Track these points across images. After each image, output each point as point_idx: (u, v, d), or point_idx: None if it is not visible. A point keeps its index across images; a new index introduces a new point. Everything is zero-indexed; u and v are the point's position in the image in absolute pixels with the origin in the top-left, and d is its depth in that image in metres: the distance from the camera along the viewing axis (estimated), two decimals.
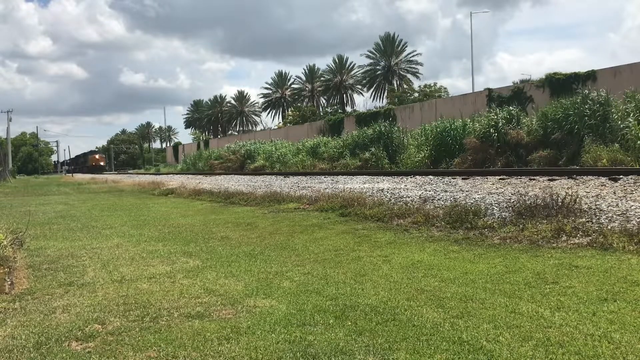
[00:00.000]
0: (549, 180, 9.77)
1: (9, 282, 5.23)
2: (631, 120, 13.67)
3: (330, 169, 22.75)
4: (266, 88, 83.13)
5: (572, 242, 5.90)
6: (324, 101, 75.43)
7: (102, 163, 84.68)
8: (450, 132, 19.52)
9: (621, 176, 9.01)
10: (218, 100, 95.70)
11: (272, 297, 4.45)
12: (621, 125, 14.21)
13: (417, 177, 13.26)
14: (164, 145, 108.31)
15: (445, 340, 3.30)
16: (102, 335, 3.68)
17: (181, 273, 5.55)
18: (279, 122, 71.15)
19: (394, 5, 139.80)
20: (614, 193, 7.63)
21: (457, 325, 3.56)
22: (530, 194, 8.09)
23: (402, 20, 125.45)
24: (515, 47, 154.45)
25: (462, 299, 4.13)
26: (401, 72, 65.65)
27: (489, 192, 9.15)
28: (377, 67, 66.20)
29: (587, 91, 16.26)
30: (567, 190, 7.77)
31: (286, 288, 4.75)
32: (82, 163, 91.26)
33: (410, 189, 11.05)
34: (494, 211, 7.60)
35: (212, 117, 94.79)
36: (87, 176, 55.43)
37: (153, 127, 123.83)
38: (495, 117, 18.37)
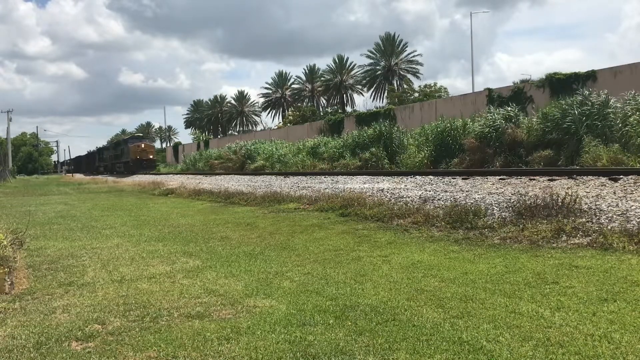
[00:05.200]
0: (549, 180, 9.76)
1: (9, 282, 5.23)
2: (638, 117, 13.66)
3: (330, 169, 22.74)
4: (266, 88, 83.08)
5: (572, 242, 5.91)
6: (324, 101, 75.36)
7: (151, 156, 48.60)
8: (451, 132, 19.50)
9: (621, 176, 9.01)
10: (218, 100, 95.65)
11: (272, 297, 4.46)
12: (620, 125, 14.21)
13: (417, 177, 13.26)
14: (164, 145, 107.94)
15: (445, 340, 3.31)
16: (102, 335, 3.68)
17: (181, 273, 5.55)
18: (279, 122, 71.07)
19: (392, 5, 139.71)
20: (614, 193, 7.63)
21: (457, 325, 3.56)
22: (530, 194, 8.09)
23: (400, 20, 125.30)
24: (514, 47, 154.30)
25: (462, 299, 4.13)
26: (401, 72, 65.58)
27: (489, 192, 9.15)
28: (377, 67, 66.12)
29: (586, 92, 16.26)
30: (567, 190, 7.77)
31: (286, 288, 4.75)
32: (113, 158, 54.72)
33: (410, 189, 11.06)
34: (494, 211, 7.60)
35: (212, 117, 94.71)
36: (87, 176, 55.35)
37: (153, 127, 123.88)
38: (494, 117, 18.38)
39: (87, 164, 73.18)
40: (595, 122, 14.97)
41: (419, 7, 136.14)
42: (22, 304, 4.56)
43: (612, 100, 15.36)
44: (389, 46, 65.00)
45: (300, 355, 3.18)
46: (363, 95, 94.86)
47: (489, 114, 19.08)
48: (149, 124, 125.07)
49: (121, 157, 50.32)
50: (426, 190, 10.42)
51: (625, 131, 13.81)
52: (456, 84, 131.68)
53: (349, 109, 67.03)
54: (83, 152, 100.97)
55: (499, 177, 11.13)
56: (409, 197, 9.82)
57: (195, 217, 10.95)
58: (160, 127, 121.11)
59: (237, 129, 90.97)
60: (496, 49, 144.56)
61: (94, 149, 72.36)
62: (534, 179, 10.20)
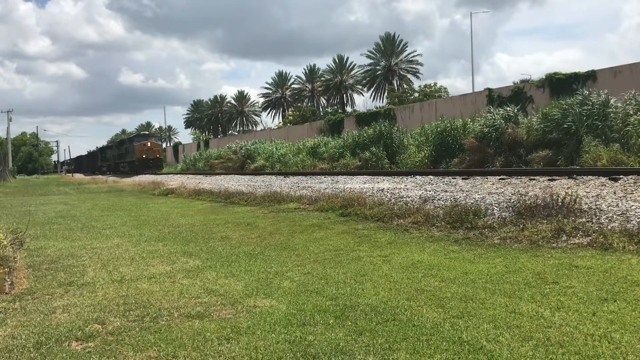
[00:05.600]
0: (549, 180, 9.76)
1: (9, 282, 5.23)
2: (639, 117, 13.64)
3: (330, 169, 22.73)
4: (266, 88, 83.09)
5: (572, 242, 5.91)
6: (324, 101, 75.34)
7: (158, 155, 45.51)
8: (451, 132, 19.51)
9: (621, 176, 9.01)
10: (218, 100, 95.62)
11: (272, 297, 4.46)
12: (620, 125, 14.21)
13: (417, 177, 13.26)
14: (164, 145, 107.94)
15: (445, 340, 3.31)
16: (102, 335, 3.68)
17: (181, 273, 5.55)
18: (279, 122, 71.02)
19: (392, 5, 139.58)
20: (614, 193, 7.62)
21: (457, 325, 3.56)
22: (530, 194, 8.09)
23: (400, 20, 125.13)
24: (514, 47, 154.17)
25: (462, 299, 4.13)
26: (401, 72, 65.57)
27: (489, 192, 9.15)
28: (377, 67, 66.11)
29: (587, 92, 16.26)
30: (567, 190, 7.77)
31: (286, 288, 4.75)
32: (116, 158, 51.05)
33: (410, 189, 11.05)
34: (494, 211, 7.60)
35: (212, 117, 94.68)
36: (88, 176, 55.27)
37: (153, 127, 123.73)
38: (494, 117, 18.39)
39: (89, 163, 70.14)
40: (596, 122, 14.96)
41: (418, 7, 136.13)
42: (22, 304, 4.56)
43: (612, 100, 15.36)
44: (389, 46, 65.00)
45: (300, 355, 3.18)
46: (363, 95, 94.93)
47: (489, 114, 19.08)
48: (149, 124, 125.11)
49: (126, 156, 47.42)
50: (426, 190, 10.42)
51: (626, 131, 13.80)
52: (456, 84, 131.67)
53: (349, 109, 67.05)
54: (83, 152, 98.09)
55: (499, 177, 11.13)
56: (409, 197, 9.83)
57: (195, 217, 10.95)
58: (160, 127, 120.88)
59: (237, 129, 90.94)
60: (496, 49, 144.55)
61: (94, 149, 70.19)
62: (534, 179, 10.20)
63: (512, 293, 4.22)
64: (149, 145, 44.65)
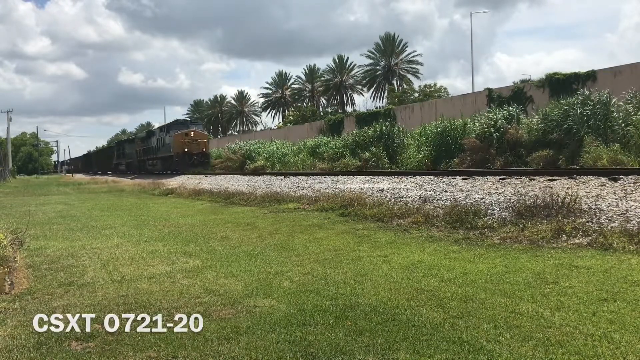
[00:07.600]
0: (549, 180, 9.76)
1: (9, 282, 5.23)
2: None
3: (330, 169, 22.73)
4: (266, 88, 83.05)
5: (572, 242, 5.91)
6: (324, 101, 75.36)
7: (204, 149, 33.80)
8: (451, 132, 19.53)
9: (621, 176, 9.00)
10: (218, 100, 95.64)
11: (272, 297, 4.46)
12: (622, 125, 14.21)
13: (417, 177, 13.25)
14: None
15: (445, 340, 3.31)
16: (102, 335, 3.68)
17: (181, 273, 5.55)
18: (279, 122, 71.03)
19: (391, 5, 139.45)
20: (614, 193, 7.62)
21: (457, 325, 3.56)
22: (530, 194, 8.09)
23: (400, 20, 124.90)
24: (514, 47, 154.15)
25: (462, 299, 4.13)
26: (401, 72, 65.60)
27: (489, 192, 9.15)
28: (377, 67, 66.16)
29: (587, 92, 16.27)
30: (567, 191, 7.77)
31: (286, 288, 4.75)
32: (142, 153, 40.88)
33: (410, 189, 11.05)
34: (494, 211, 7.60)
35: (212, 117, 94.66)
36: (88, 176, 55.23)
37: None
38: (495, 117, 18.40)
39: (100, 162, 60.18)
40: (598, 122, 14.96)
41: (418, 7, 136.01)
42: (22, 304, 4.56)
43: (614, 100, 15.36)
44: (389, 46, 65.02)
45: (300, 355, 3.19)
46: (363, 95, 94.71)
47: (490, 114, 19.10)
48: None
49: (158, 150, 36.36)
50: (426, 190, 10.42)
51: (627, 131, 13.80)
52: (456, 84, 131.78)
53: (349, 109, 67.09)
54: (83, 152, 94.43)
55: (499, 177, 11.12)
56: (409, 197, 9.83)
57: (195, 217, 10.95)
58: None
59: (237, 129, 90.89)
60: (496, 49, 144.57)
61: (95, 148, 62.26)
62: (534, 179, 10.19)
63: (512, 293, 4.22)
64: (192, 135, 33.16)
